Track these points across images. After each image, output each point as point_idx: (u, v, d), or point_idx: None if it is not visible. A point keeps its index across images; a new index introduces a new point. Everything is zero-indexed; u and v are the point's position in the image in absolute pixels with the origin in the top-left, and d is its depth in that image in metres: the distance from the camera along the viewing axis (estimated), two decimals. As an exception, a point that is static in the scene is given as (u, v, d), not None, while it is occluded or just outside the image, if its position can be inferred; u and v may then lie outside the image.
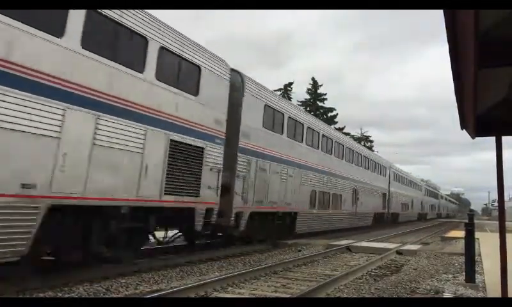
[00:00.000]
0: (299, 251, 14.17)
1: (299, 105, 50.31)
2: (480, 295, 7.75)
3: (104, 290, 7.20)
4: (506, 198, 11.10)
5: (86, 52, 7.58)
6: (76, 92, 7.35)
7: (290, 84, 53.87)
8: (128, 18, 8.54)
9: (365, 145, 56.79)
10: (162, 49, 9.47)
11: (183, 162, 10.05)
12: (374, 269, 10.94)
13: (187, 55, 10.27)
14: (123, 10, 8.33)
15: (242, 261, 11.37)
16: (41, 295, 6.58)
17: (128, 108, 8.49)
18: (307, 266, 11.03)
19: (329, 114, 55.44)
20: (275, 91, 36.03)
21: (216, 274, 9.23)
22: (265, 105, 14.40)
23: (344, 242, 16.04)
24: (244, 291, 7.65)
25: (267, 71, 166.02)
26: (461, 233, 19.20)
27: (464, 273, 8.89)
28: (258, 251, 13.41)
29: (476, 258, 9.70)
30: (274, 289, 7.96)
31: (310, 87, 56.36)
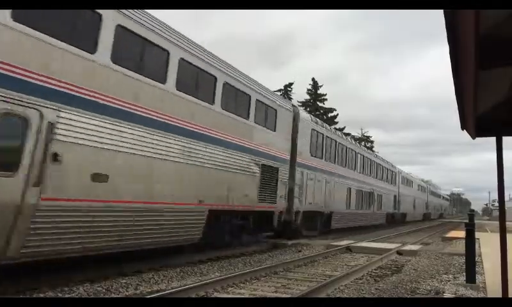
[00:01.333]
0: (300, 251, 14.16)
1: (299, 105, 50.27)
2: (480, 295, 7.74)
3: (104, 290, 7.21)
4: (506, 198, 11.08)
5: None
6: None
7: (291, 84, 53.87)
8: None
9: (365, 145, 56.76)
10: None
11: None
12: (375, 269, 10.93)
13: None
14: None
15: (242, 261, 11.36)
16: (41, 295, 6.59)
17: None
18: (307, 266, 11.03)
19: (330, 115, 55.46)
20: (275, 91, 36.06)
21: (217, 274, 9.23)
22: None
23: (345, 243, 16.03)
24: (245, 292, 7.65)
25: (268, 72, 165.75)
26: (461, 234, 19.18)
27: (464, 273, 8.88)
28: (259, 252, 13.41)
29: (476, 258, 9.69)
30: (275, 289, 7.95)
31: (310, 87, 56.41)
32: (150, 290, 7.42)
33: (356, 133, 66.78)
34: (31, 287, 6.80)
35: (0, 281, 6.67)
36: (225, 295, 7.35)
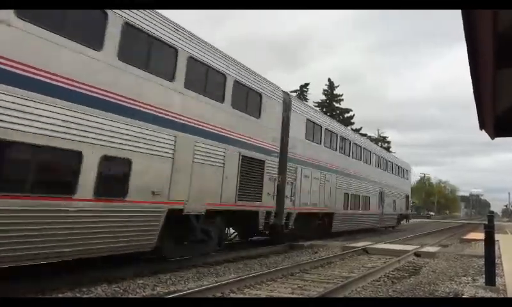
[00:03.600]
0: (316, 252, 14.11)
1: (314, 106, 50.12)
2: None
3: (121, 291, 7.30)
4: (527, 199, 10.89)
5: None
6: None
7: (306, 84, 53.86)
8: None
9: (381, 146, 56.31)
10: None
11: None
12: (392, 271, 10.82)
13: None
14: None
15: (258, 263, 11.37)
16: (60, 295, 6.71)
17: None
18: (324, 268, 10.97)
19: (346, 115, 55.19)
20: (291, 92, 36.04)
21: (233, 275, 9.26)
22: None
23: (361, 244, 15.90)
24: (261, 293, 7.65)
25: (286, 72, 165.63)
26: (480, 235, 18.86)
27: (484, 275, 8.74)
28: (275, 253, 13.40)
29: (496, 260, 9.52)
30: (291, 290, 7.94)
31: (326, 88, 56.22)
32: (167, 291, 7.48)
33: (373, 133, 66.39)
34: (50, 287, 6.92)
35: (17, 280, 6.82)
36: (241, 296, 7.37)
